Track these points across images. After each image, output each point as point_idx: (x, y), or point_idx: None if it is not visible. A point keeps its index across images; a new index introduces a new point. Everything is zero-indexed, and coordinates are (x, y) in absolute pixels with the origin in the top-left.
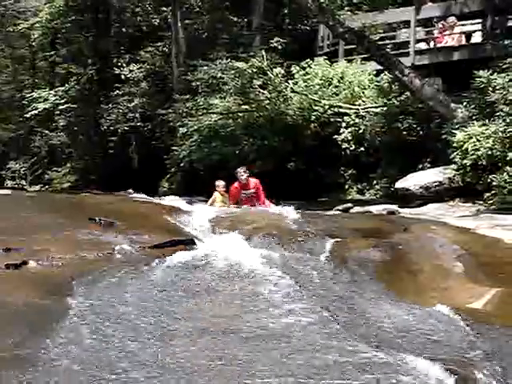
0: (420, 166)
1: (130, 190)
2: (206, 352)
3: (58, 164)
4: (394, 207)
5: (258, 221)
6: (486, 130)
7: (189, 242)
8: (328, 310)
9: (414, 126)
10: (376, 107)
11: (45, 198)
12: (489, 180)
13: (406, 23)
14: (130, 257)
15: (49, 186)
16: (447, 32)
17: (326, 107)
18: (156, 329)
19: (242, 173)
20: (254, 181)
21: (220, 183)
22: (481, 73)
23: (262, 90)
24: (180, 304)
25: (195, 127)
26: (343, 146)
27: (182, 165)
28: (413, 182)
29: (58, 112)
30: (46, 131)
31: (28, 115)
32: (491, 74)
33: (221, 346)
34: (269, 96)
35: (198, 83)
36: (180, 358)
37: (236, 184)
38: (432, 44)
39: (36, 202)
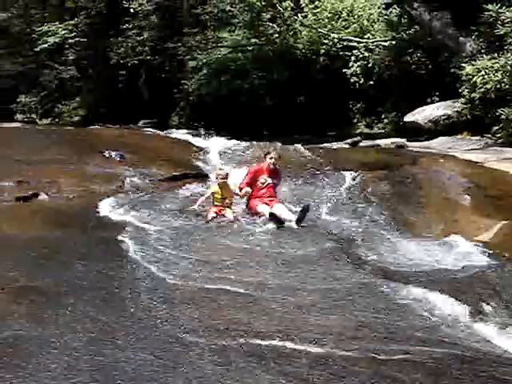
0: (429, 100)
1: (141, 124)
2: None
3: (68, 98)
4: (403, 141)
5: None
6: (495, 63)
7: (198, 176)
8: (339, 242)
9: (423, 59)
10: (385, 41)
11: (55, 131)
12: (497, 113)
13: None
14: (140, 189)
15: (59, 119)
16: None
17: (335, 41)
18: (169, 256)
19: (273, 156)
20: (279, 172)
21: (221, 172)
22: (489, 6)
23: (271, 24)
24: (185, 236)
25: (204, 61)
26: (352, 80)
27: (191, 98)
28: (421, 115)
29: (67, 46)
30: (56, 65)
31: (38, 49)
32: (500, 8)
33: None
34: (278, 30)
35: (207, 17)
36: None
37: (259, 166)
38: None
39: (46, 136)
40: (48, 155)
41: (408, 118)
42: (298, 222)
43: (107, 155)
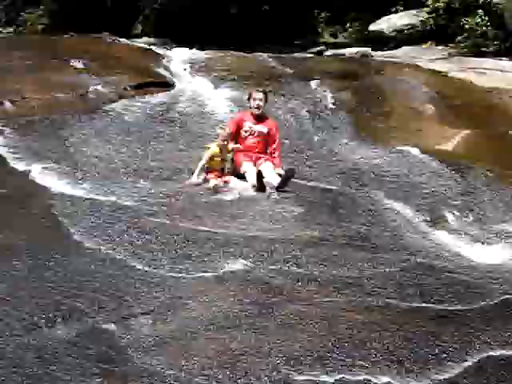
0: (393, 9)
1: (105, 33)
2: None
3: (32, 6)
4: (367, 50)
5: (234, 64)
6: None
7: (161, 84)
8: (301, 153)
9: None
10: None
11: (19, 40)
12: (461, 23)
13: None
14: (104, 97)
15: (23, 28)
16: None
17: None
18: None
19: (255, 96)
20: (271, 121)
21: (222, 131)
22: None
23: None
24: (141, 140)
25: None
26: None
27: (155, 6)
28: (386, 24)
29: None
30: None
31: None
32: None
33: None
34: None
35: None
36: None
37: (242, 113)
38: None
39: (9, 44)
40: (11, 63)
41: (373, 26)
42: (279, 187)
43: (71, 63)
